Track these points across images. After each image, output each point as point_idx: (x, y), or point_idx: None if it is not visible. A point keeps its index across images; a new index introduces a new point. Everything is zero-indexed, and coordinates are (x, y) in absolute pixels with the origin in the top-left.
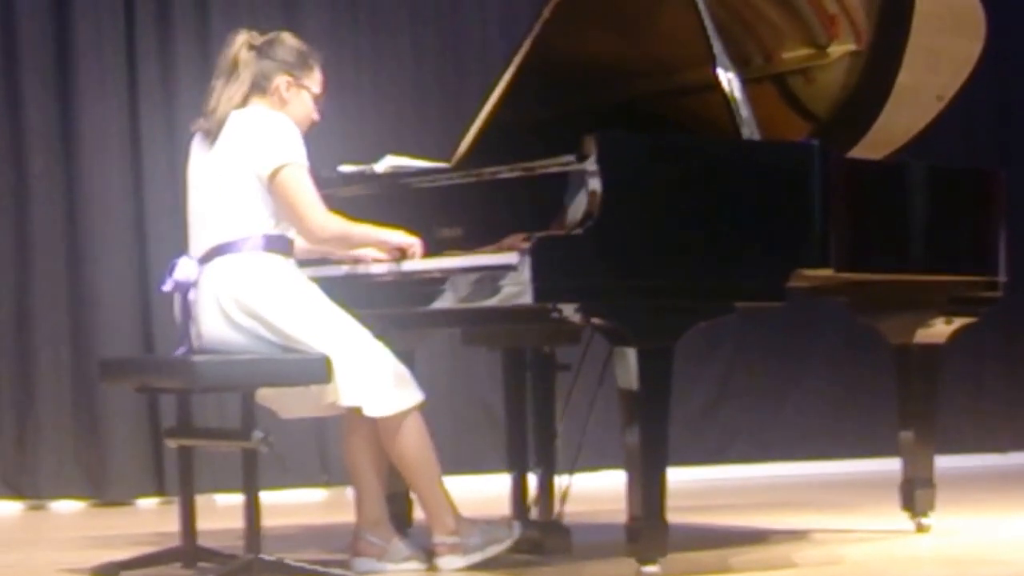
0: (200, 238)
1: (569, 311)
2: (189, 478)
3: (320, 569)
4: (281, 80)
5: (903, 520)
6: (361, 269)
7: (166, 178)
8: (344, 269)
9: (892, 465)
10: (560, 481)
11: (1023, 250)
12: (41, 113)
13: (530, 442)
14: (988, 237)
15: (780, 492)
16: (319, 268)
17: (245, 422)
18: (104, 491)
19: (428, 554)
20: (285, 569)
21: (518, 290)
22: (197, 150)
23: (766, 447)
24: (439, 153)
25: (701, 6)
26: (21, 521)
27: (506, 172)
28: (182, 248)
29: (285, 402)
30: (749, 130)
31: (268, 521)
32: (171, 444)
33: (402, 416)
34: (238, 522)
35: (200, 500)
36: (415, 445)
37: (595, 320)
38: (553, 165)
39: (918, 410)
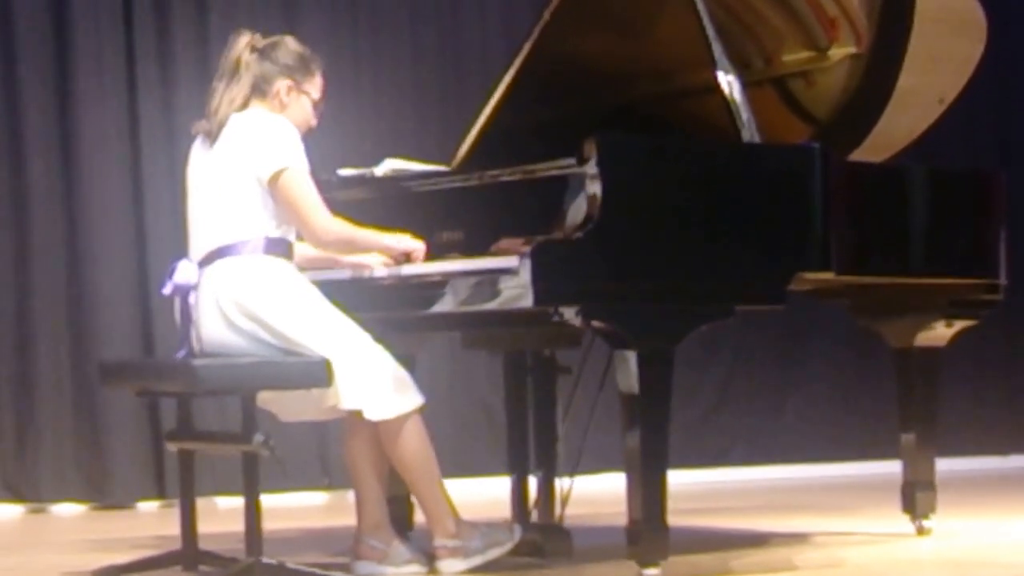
0: (200, 241)
1: (569, 314)
2: (190, 481)
3: (321, 572)
4: (282, 84)
5: (904, 523)
6: (364, 273)
7: (166, 180)
8: (345, 272)
9: (893, 468)
10: (561, 484)
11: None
12: (40, 115)
13: (531, 445)
14: (988, 240)
15: (781, 495)
16: (320, 271)
17: (246, 425)
18: (105, 494)
19: (429, 557)
20: (286, 572)
21: (518, 293)
22: (197, 152)
23: (767, 450)
24: (439, 156)
25: (701, 8)
26: (21, 524)
27: (506, 175)
28: (182, 251)
29: (286, 405)
30: (749, 133)
31: (269, 524)
32: (172, 447)
33: (403, 419)
34: (239, 525)
35: (201, 503)
36: (415, 448)
37: (595, 323)
38: (553, 168)
39: (919, 413)
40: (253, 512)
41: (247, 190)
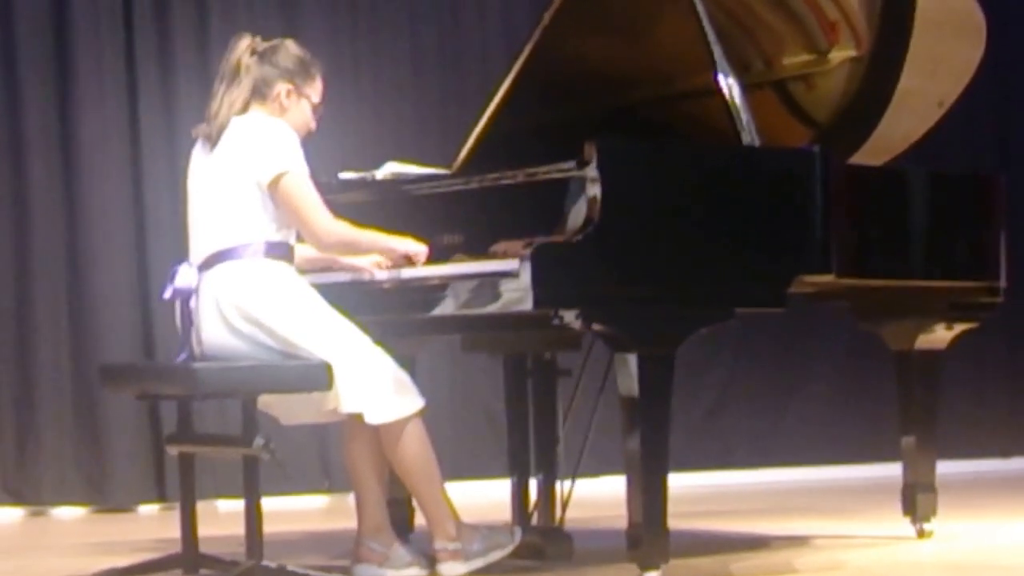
0: (200, 244)
1: (569, 317)
2: (190, 484)
3: (322, 575)
4: (282, 87)
5: (905, 525)
6: (362, 275)
7: (166, 184)
8: (345, 275)
9: (893, 470)
10: (561, 487)
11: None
12: (41, 119)
13: (531, 448)
14: (988, 242)
15: (781, 498)
16: (320, 275)
17: (246, 428)
18: (105, 497)
19: (429, 560)
20: (287, 575)
21: (518, 296)
22: (198, 156)
23: (767, 453)
24: (439, 158)
25: (702, 12)
26: (22, 527)
27: (507, 178)
28: (182, 254)
29: (286, 408)
30: (749, 136)
31: (269, 527)
32: (172, 450)
33: (403, 423)
34: (239, 528)
35: (201, 506)
36: (416, 451)
37: (596, 326)
38: (554, 171)
39: (919, 415)
40: (254, 515)
41: (247, 194)
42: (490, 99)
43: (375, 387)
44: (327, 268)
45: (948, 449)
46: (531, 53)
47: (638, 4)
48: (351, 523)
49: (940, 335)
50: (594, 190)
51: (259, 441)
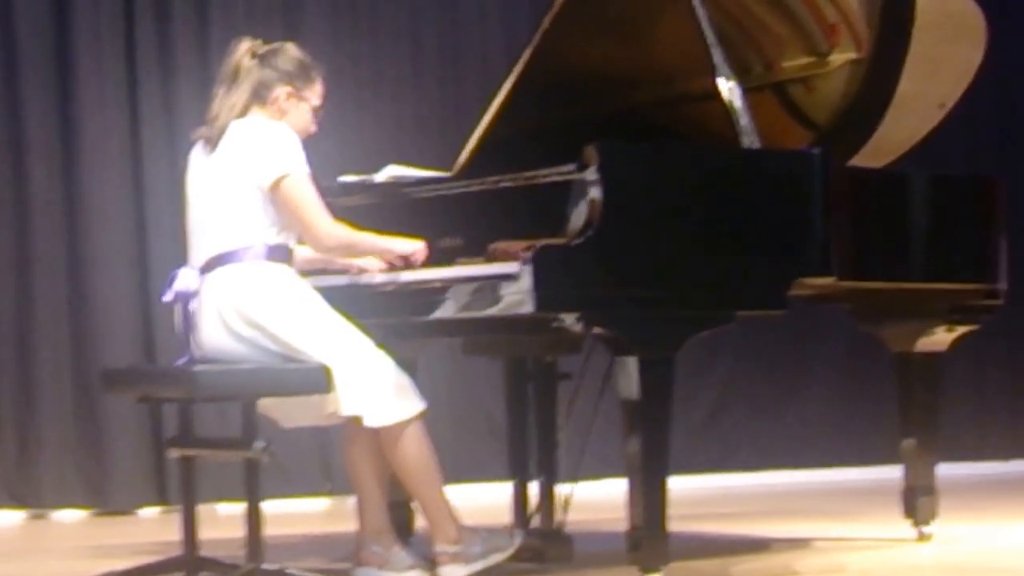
0: (201, 247)
1: (570, 320)
2: (191, 487)
3: None
4: (281, 90)
5: (905, 528)
6: (363, 279)
7: (167, 186)
8: (345, 278)
9: (894, 473)
10: (561, 490)
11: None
12: (41, 122)
13: (532, 451)
14: (989, 245)
15: (782, 500)
16: (320, 278)
17: (247, 431)
18: (106, 500)
19: (430, 563)
20: None
21: (519, 299)
22: (197, 159)
23: (768, 455)
24: (440, 161)
25: (701, 15)
26: (23, 530)
27: (507, 181)
28: (183, 257)
29: (286, 411)
30: (749, 139)
31: (270, 530)
32: (173, 454)
33: (403, 425)
34: (240, 531)
35: (202, 509)
36: (416, 454)
37: (596, 329)
38: (554, 174)
39: (920, 418)
40: (254, 518)
41: (247, 197)
42: (490, 102)
43: (375, 390)
44: (325, 269)
45: (948, 451)
46: (531, 56)
47: (638, 7)
48: (352, 526)
49: (940, 337)
50: (594, 193)
51: (259, 444)
